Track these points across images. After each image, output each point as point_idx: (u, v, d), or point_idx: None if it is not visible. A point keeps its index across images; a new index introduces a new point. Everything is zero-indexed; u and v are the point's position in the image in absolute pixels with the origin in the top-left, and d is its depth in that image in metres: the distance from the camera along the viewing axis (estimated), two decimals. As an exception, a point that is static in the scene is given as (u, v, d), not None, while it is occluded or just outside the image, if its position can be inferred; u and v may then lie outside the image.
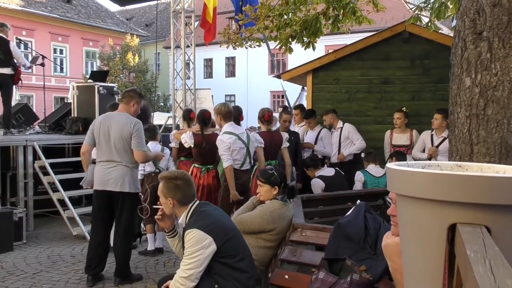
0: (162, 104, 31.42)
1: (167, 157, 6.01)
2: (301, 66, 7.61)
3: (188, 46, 11.37)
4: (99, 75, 9.93)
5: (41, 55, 9.48)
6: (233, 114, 5.27)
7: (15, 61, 7.94)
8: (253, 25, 6.91)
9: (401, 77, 6.95)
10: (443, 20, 6.92)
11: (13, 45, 8.03)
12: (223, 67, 37.22)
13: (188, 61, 11.44)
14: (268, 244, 3.54)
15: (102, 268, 4.81)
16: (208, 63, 37.48)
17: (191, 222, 3.01)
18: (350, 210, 3.07)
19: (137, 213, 6.09)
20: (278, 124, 6.72)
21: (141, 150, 4.66)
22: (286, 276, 3.09)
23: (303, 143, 6.65)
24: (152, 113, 9.07)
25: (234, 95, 35.28)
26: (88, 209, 6.22)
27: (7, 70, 7.85)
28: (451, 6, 5.77)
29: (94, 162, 4.81)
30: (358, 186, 5.71)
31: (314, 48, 6.96)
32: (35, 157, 7.09)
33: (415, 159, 5.73)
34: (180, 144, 5.92)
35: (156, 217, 3.26)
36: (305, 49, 7.00)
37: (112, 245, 4.92)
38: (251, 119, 13.09)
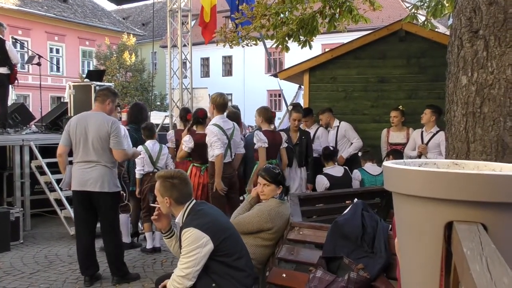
0: (159, 103, 31.37)
1: (166, 156, 6.00)
2: (298, 65, 7.62)
3: (185, 45, 11.36)
4: (95, 75, 9.92)
5: (37, 54, 9.47)
6: (227, 106, 5.37)
7: (11, 60, 7.92)
8: (250, 24, 6.90)
9: (398, 76, 6.96)
10: (440, 19, 6.93)
11: (9, 44, 8.00)
12: (220, 66, 37.19)
13: (185, 60, 11.43)
14: (266, 243, 3.54)
15: (96, 268, 4.79)
16: (205, 62, 37.44)
17: (188, 221, 3.01)
18: (348, 209, 3.08)
19: (135, 212, 6.11)
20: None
21: (120, 149, 4.62)
22: (284, 275, 3.09)
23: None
24: (149, 113, 9.05)
25: (231, 94, 35.19)
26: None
27: (3, 70, 7.83)
28: (447, 5, 5.78)
29: (71, 163, 4.77)
30: (355, 184, 5.71)
31: (310, 47, 6.96)
32: (32, 156, 7.07)
33: (407, 157, 5.75)
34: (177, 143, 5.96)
35: (152, 217, 3.26)
36: (301, 47, 7.00)
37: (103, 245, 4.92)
38: (248, 118, 13.09)
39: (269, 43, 7.74)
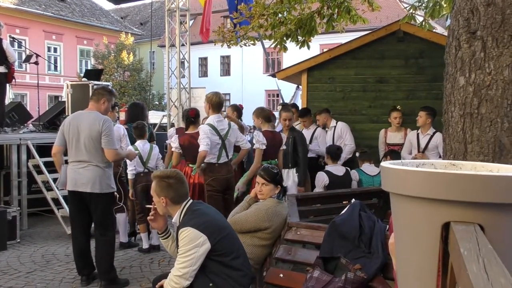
0: (156, 102, 31.35)
1: (156, 156, 5.95)
2: (296, 65, 7.61)
3: (183, 45, 11.36)
4: (93, 74, 9.90)
5: (35, 53, 9.44)
6: (223, 106, 5.33)
7: (8, 59, 7.90)
8: (248, 24, 6.90)
9: (396, 76, 6.97)
10: (438, 19, 6.95)
11: (6, 43, 7.98)
12: (218, 66, 37.19)
13: (183, 60, 11.43)
14: (263, 242, 3.54)
15: (92, 268, 4.75)
16: (203, 61, 37.44)
17: (184, 220, 3.01)
18: (345, 209, 3.08)
19: (132, 212, 6.10)
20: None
21: (112, 149, 4.54)
22: (281, 275, 3.09)
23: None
24: (147, 112, 9.04)
25: (229, 94, 35.23)
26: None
27: (0, 69, 7.81)
28: (445, 5, 5.79)
29: (67, 162, 4.73)
30: (353, 184, 5.71)
31: (309, 47, 6.97)
32: (29, 155, 7.06)
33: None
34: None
35: (148, 218, 3.25)
36: (300, 48, 7.00)
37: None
38: (246, 118, 13.09)
39: (267, 43, 7.73)
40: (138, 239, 6.32)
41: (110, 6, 36.38)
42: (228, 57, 35.67)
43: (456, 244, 0.89)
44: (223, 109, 5.52)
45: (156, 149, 6.00)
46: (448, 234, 1.02)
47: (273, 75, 8.74)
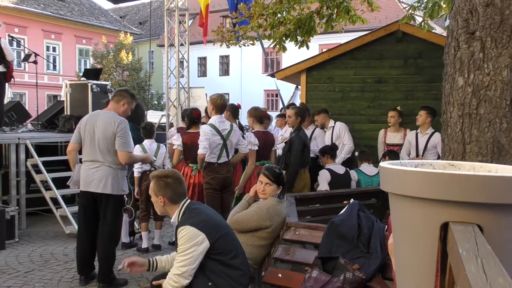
0: (155, 102, 31.32)
1: (163, 155, 6.01)
2: (295, 65, 7.62)
3: (182, 45, 11.34)
4: (92, 73, 9.88)
5: (34, 52, 9.43)
6: (226, 108, 5.36)
7: (6, 58, 7.88)
8: (247, 24, 6.90)
9: (395, 76, 6.97)
10: (436, 20, 6.95)
11: (4, 42, 7.97)
12: (217, 66, 37.18)
13: (182, 60, 11.41)
14: (262, 242, 3.54)
15: (92, 268, 4.74)
16: (202, 61, 37.42)
17: (183, 219, 3.02)
18: (344, 209, 3.08)
19: (128, 214, 6.10)
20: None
21: (125, 151, 4.47)
22: (280, 275, 3.09)
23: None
24: (145, 112, 9.03)
25: (228, 93, 35.16)
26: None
27: None
28: (444, 6, 5.80)
29: (81, 161, 4.71)
30: (351, 185, 5.72)
31: (308, 47, 6.97)
32: (28, 155, 7.05)
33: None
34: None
35: (124, 268, 3.14)
36: (299, 48, 7.00)
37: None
38: (245, 118, 13.08)
39: (266, 43, 7.73)
40: (137, 239, 6.32)
41: (109, 6, 36.40)
42: (227, 57, 35.67)
43: (455, 244, 0.90)
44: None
45: (163, 148, 6.06)
46: (446, 234, 1.03)
47: (272, 75, 8.75)
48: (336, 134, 6.59)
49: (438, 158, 5.38)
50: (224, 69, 37.28)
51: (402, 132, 6.27)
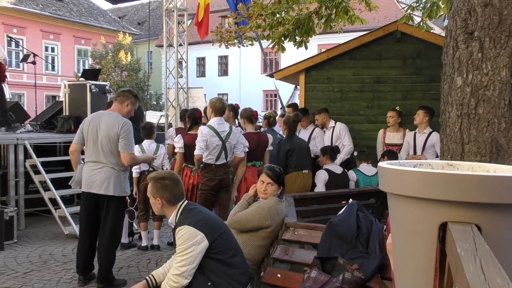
0: (154, 102, 31.32)
1: (162, 156, 6.01)
2: (294, 65, 7.62)
3: (180, 45, 11.34)
4: (91, 74, 9.87)
5: (32, 53, 9.42)
6: (225, 111, 5.35)
7: None
8: (246, 24, 6.90)
9: (393, 77, 6.97)
10: (435, 20, 6.96)
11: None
12: (216, 66, 37.18)
13: (180, 60, 11.41)
14: (262, 242, 3.54)
15: (92, 268, 4.73)
16: (201, 61, 37.42)
17: (181, 219, 3.02)
18: (343, 209, 3.08)
19: (128, 215, 6.10)
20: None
21: (128, 153, 4.45)
22: (279, 275, 3.09)
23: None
24: (144, 112, 9.04)
25: (227, 94, 35.23)
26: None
27: None
28: (442, 6, 5.80)
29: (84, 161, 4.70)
30: (350, 185, 5.73)
31: (306, 47, 6.97)
32: (26, 155, 7.04)
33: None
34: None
35: None
36: (297, 48, 7.01)
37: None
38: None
39: (265, 43, 7.74)
40: (136, 239, 6.32)
41: (107, 6, 36.36)
42: (226, 57, 35.66)
43: (453, 244, 0.90)
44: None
45: (162, 149, 6.06)
46: (445, 234, 1.03)
47: (271, 75, 8.74)
48: (336, 134, 6.57)
49: (437, 157, 5.39)
50: (223, 69, 37.28)
51: (401, 132, 6.27)
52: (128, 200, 5.31)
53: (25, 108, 12.45)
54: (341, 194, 4.78)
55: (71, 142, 4.74)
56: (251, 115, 5.77)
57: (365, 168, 5.84)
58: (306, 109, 7.01)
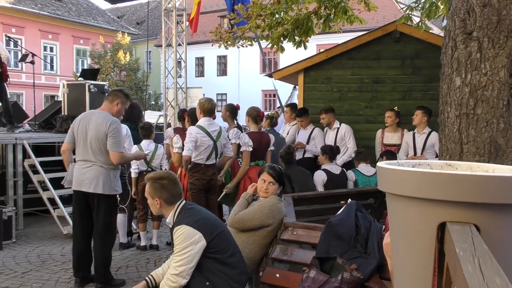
0: (153, 102, 31.31)
1: (160, 156, 6.00)
2: (293, 65, 7.62)
3: (179, 45, 11.35)
4: (89, 73, 9.86)
5: (31, 52, 9.42)
6: (214, 112, 5.37)
7: (1, 57, 7.84)
8: (245, 24, 6.89)
9: (392, 77, 6.98)
10: (434, 20, 6.96)
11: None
12: (215, 66, 37.17)
13: (179, 60, 11.41)
14: (262, 241, 3.54)
15: (88, 270, 4.69)
16: (200, 61, 37.41)
17: (179, 219, 3.03)
18: (341, 209, 3.08)
19: (129, 212, 6.10)
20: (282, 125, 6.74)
21: (117, 151, 4.45)
22: (277, 275, 3.09)
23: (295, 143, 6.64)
24: (143, 112, 9.03)
25: (225, 94, 35.25)
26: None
27: None
28: (441, 6, 5.80)
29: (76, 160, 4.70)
30: (349, 185, 5.73)
31: (305, 47, 6.96)
32: (25, 155, 7.04)
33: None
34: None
35: None
36: (296, 48, 6.99)
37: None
38: (242, 118, 13.07)
39: (264, 43, 7.73)
40: (135, 239, 6.32)
41: (106, 6, 36.36)
42: (225, 57, 35.65)
43: (452, 244, 0.90)
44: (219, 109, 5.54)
45: (161, 149, 6.06)
46: (444, 234, 1.03)
47: (270, 75, 8.74)
48: (341, 136, 6.52)
49: (436, 157, 5.39)
50: (222, 69, 37.27)
51: (400, 132, 6.27)
52: (119, 198, 5.29)
53: (24, 108, 12.45)
54: (340, 194, 4.78)
55: (70, 142, 4.74)
56: (257, 116, 5.77)
57: (364, 168, 5.84)
58: (305, 108, 7.00)
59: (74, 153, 4.78)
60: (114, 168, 4.59)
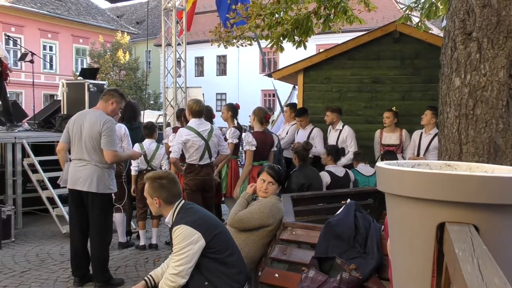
0: (152, 102, 31.29)
1: (161, 156, 6.00)
2: (292, 65, 7.61)
3: (179, 44, 11.33)
4: (89, 72, 9.85)
5: (30, 51, 9.40)
6: (203, 113, 5.36)
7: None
8: (245, 24, 6.89)
9: (392, 77, 6.98)
10: (433, 20, 6.96)
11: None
12: (214, 66, 37.14)
13: (179, 59, 11.40)
14: (261, 240, 3.54)
15: (87, 270, 4.69)
16: (199, 61, 37.39)
17: (178, 219, 3.03)
18: (340, 209, 3.08)
19: (128, 211, 6.10)
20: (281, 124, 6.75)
21: (110, 150, 4.45)
22: (276, 275, 3.09)
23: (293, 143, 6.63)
24: (142, 111, 9.02)
25: (225, 93, 35.24)
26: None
27: None
28: (441, 7, 5.81)
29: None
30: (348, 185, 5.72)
31: (305, 47, 6.97)
32: (24, 154, 7.04)
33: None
34: None
35: None
36: (296, 48, 7.00)
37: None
38: (242, 118, 13.06)
39: (264, 43, 7.74)
40: (134, 238, 6.32)
41: (106, 5, 36.34)
42: (224, 56, 35.63)
43: (451, 245, 0.90)
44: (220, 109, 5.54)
45: (162, 149, 6.06)
46: (443, 234, 1.03)
47: (269, 75, 8.74)
48: (342, 138, 6.46)
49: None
50: (222, 69, 37.24)
51: (398, 133, 6.26)
52: (114, 197, 5.29)
53: (23, 107, 12.43)
54: (339, 194, 4.78)
55: (69, 141, 4.74)
56: (263, 117, 5.76)
57: (363, 168, 5.84)
58: (305, 108, 7.00)
59: (70, 153, 4.78)
60: (108, 167, 4.59)
